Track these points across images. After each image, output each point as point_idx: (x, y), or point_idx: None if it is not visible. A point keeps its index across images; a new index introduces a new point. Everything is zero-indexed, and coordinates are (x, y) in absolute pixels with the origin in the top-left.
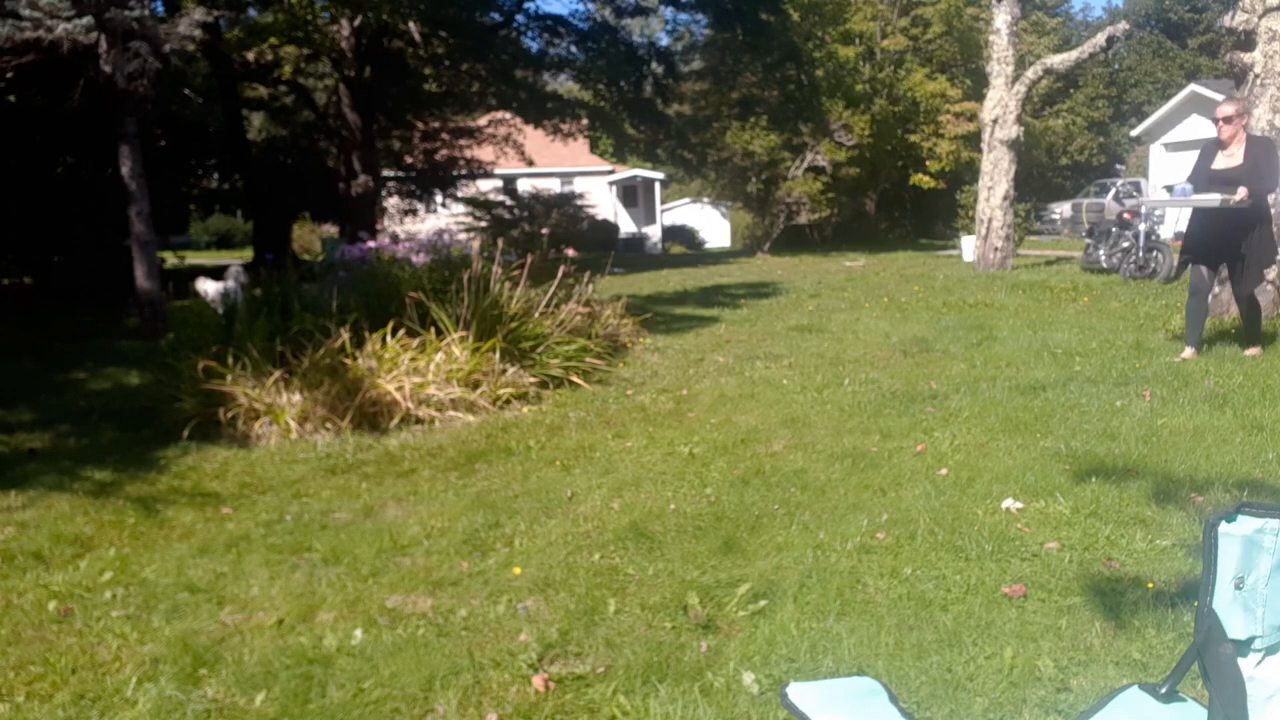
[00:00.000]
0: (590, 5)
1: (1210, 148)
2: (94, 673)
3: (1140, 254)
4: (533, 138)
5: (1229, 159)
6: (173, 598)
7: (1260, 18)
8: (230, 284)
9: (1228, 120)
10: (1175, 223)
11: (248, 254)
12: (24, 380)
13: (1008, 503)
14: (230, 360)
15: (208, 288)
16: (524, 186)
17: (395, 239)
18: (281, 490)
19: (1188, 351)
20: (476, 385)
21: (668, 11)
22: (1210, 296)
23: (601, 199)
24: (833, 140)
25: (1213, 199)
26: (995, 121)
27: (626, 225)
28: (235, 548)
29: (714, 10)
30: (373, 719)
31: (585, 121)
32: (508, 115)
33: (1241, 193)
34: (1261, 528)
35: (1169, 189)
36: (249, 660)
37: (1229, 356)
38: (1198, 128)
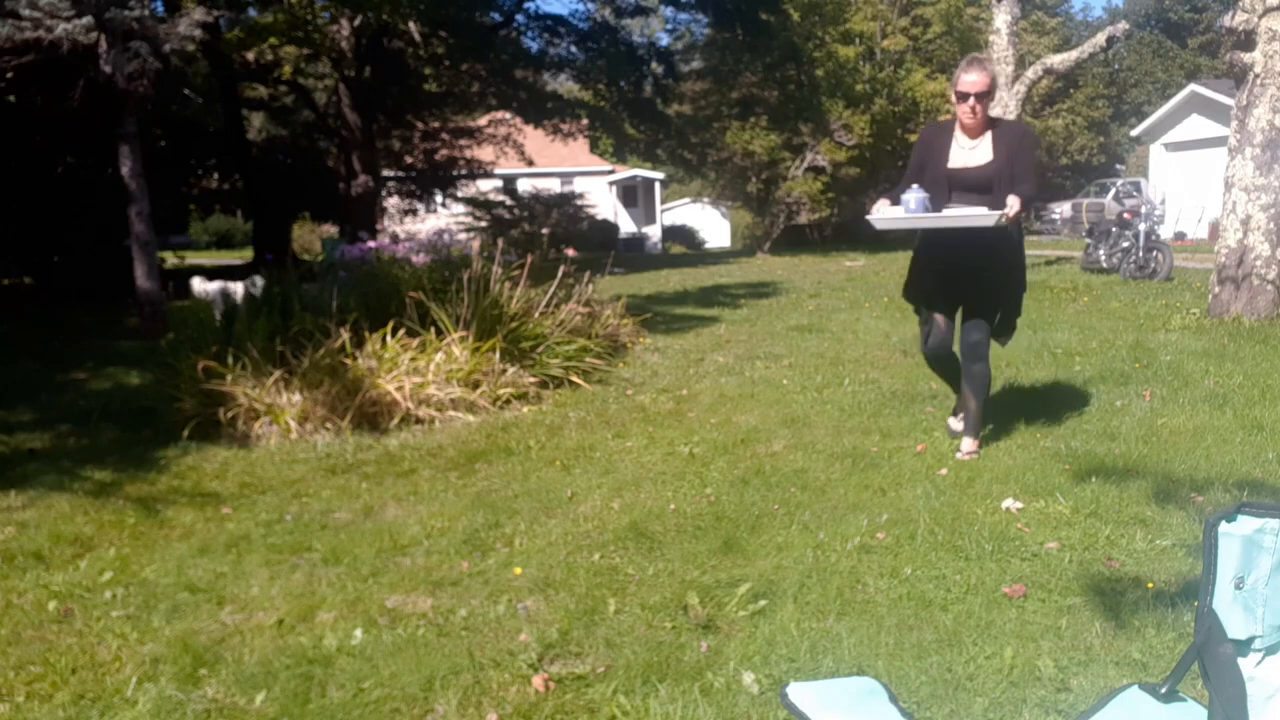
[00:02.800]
0: (590, 5)
1: (938, 138)
2: (94, 673)
3: (1140, 254)
4: (533, 138)
5: (973, 153)
6: (173, 598)
7: (1260, 18)
8: (231, 285)
9: (974, 99)
10: (1175, 222)
11: (248, 254)
12: (24, 380)
13: (1008, 503)
14: (230, 360)
15: (207, 287)
16: (524, 186)
17: (395, 239)
18: (281, 490)
19: (966, 445)
20: (476, 385)
21: (668, 11)
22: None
23: (601, 199)
24: (833, 140)
25: (972, 215)
26: None
27: (626, 225)
28: (235, 548)
29: (714, 10)
30: (373, 719)
31: (585, 121)
32: (508, 115)
33: (1014, 205)
34: (1261, 528)
35: (894, 201)
36: (249, 660)
37: (1229, 355)
38: (1198, 128)
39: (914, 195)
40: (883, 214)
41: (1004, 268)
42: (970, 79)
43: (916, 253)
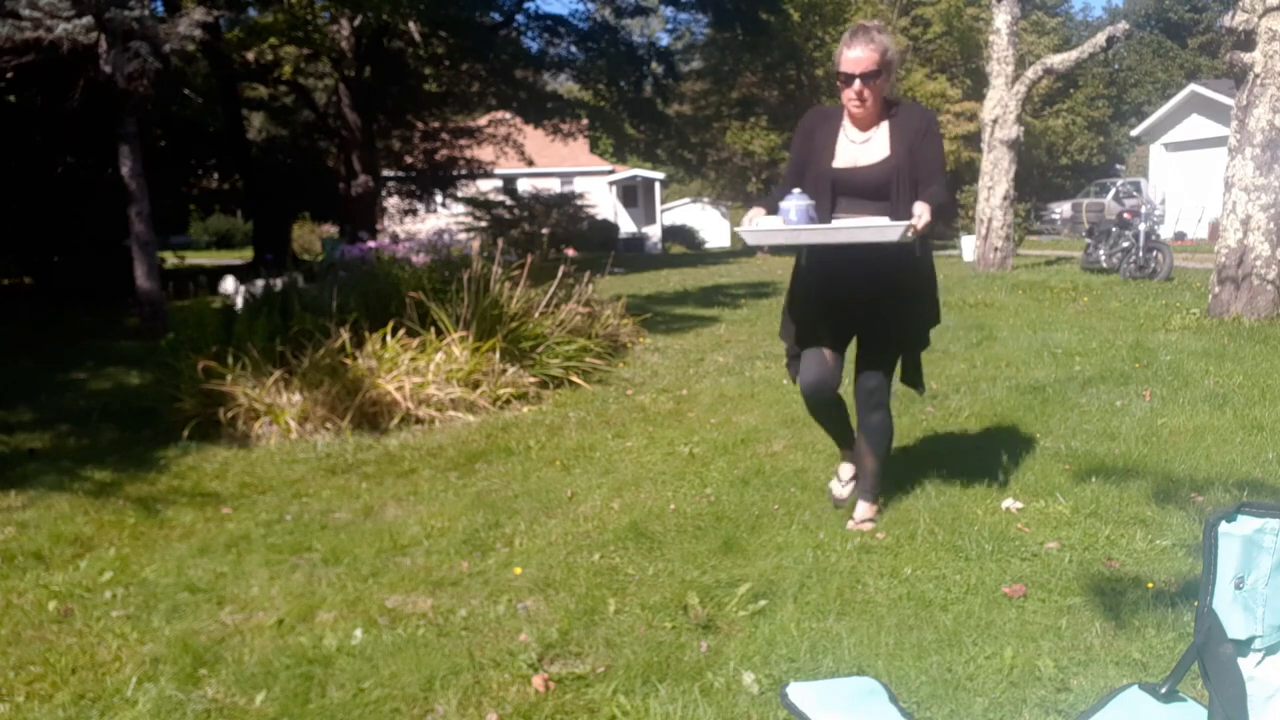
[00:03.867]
0: (590, 5)
1: (822, 128)
2: (94, 673)
3: (1140, 254)
4: (533, 138)
5: (865, 149)
6: (173, 598)
7: (1260, 18)
8: (258, 283)
9: (860, 82)
10: (1175, 222)
11: (248, 254)
12: (24, 380)
13: (1008, 503)
14: (230, 360)
15: (229, 286)
16: (524, 186)
17: (395, 239)
18: (281, 490)
19: (861, 511)
20: (476, 385)
21: (668, 11)
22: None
23: (601, 199)
24: None
25: (869, 227)
26: (995, 121)
27: (626, 225)
28: (235, 548)
29: (714, 10)
30: (373, 719)
31: (585, 121)
32: (508, 115)
33: (923, 214)
34: (1261, 528)
35: (770, 210)
36: (249, 660)
37: (1229, 355)
38: (1198, 128)
39: (795, 203)
40: (756, 226)
41: (909, 295)
42: (854, 55)
43: (796, 277)
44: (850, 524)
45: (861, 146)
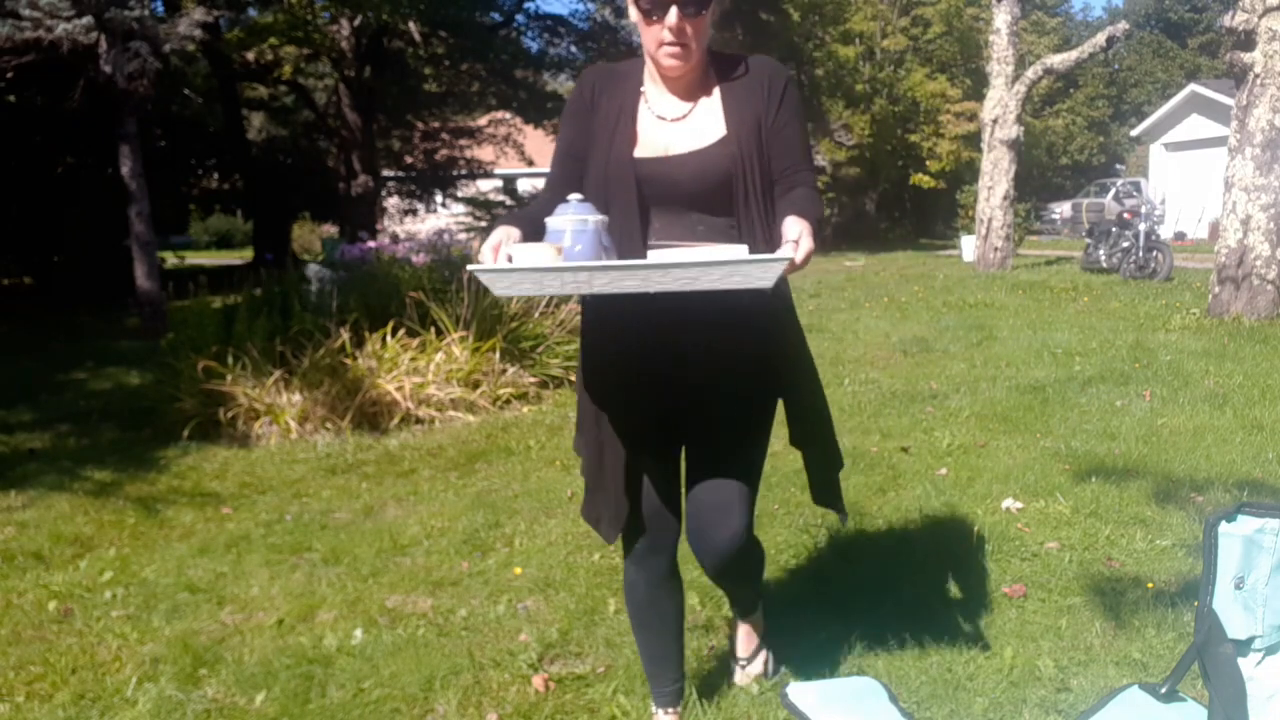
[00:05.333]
0: (590, 5)
1: (610, 96)
2: (94, 673)
3: (1140, 254)
4: (533, 138)
5: (684, 127)
6: (173, 598)
7: (1260, 18)
8: (326, 272)
9: (686, 9)
10: (1175, 222)
11: (248, 254)
12: (24, 380)
13: (1008, 503)
14: (230, 360)
15: (312, 270)
16: (524, 186)
17: (395, 239)
18: (281, 490)
19: (738, 674)
20: (476, 385)
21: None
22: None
23: None
24: (833, 140)
25: (715, 261)
26: (995, 121)
27: None
28: (235, 548)
29: None
30: (373, 719)
31: None
32: (508, 115)
33: (803, 238)
34: (1261, 528)
35: (529, 232)
36: (249, 660)
37: (1229, 355)
38: (1198, 128)
39: (574, 219)
40: (516, 259)
41: (777, 353)
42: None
43: (586, 342)
44: (738, 679)
45: (680, 125)
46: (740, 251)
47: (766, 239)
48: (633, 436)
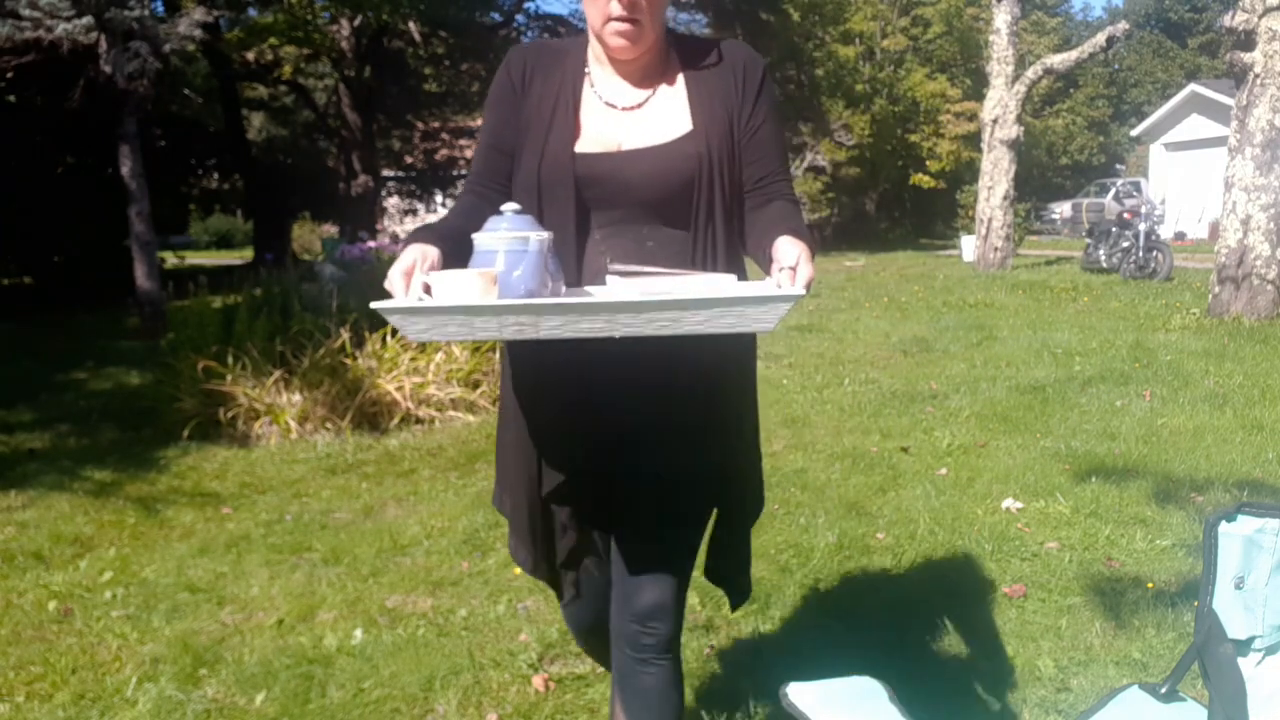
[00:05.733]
0: None
1: (545, 76)
2: (94, 673)
3: (1140, 254)
4: None
5: (641, 118)
6: (173, 598)
7: (1260, 18)
8: (341, 273)
9: (629, 17)
10: (1175, 222)
11: (248, 254)
12: (24, 380)
13: (1008, 503)
14: (230, 360)
15: (326, 270)
16: None
17: (395, 239)
18: (281, 490)
19: None
20: (477, 385)
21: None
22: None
23: None
24: (833, 140)
25: (693, 297)
26: (995, 121)
27: None
28: (235, 548)
29: (714, 10)
30: (373, 719)
31: None
32: None
33: (799, 263)
34: (1261, 528)
35: (449, 251)
36: (249, 660)
37: (1229, 355)
38: (1198, 128)
39: (508, 234)
40: (436, 292)
41: (727, 413)
42: None
43: (507, 393)
44: None
45: (634, 116)
46: (729, 283)
47: (726, 260)
48: (564, 495)
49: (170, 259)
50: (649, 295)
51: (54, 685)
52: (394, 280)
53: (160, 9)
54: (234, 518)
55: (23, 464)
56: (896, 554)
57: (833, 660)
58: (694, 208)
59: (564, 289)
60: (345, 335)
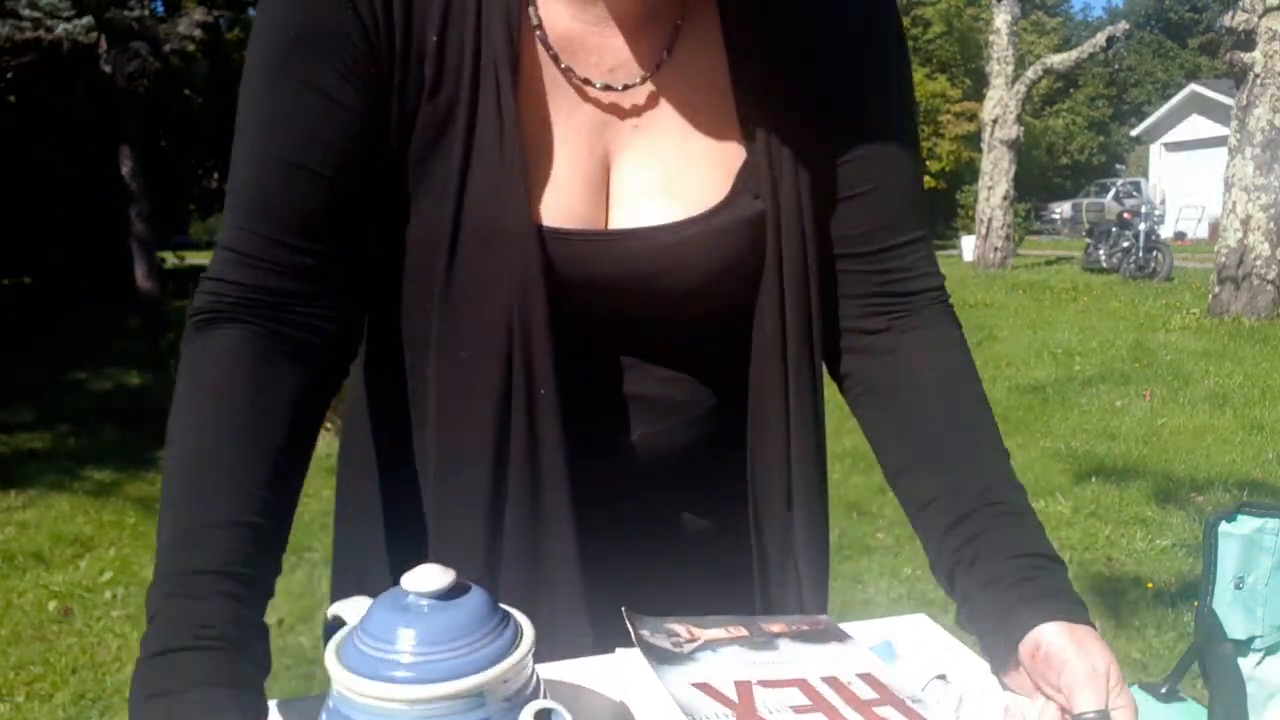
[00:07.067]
0: None
1: (412, 25)
2: (94, 673)
3: (1140, 254)
4: None
5: (646, 132)
6: None
7: (1260, 18)
8: None
9: None
10: (1175, 222)
11: None
12: (24, 380)
13: None
14: None
15: None
16: None
17: None
18: None
19: None
20: None
21: None
22: None
23: None
24: None
25: None
26: (995, 121)
27: None
28: None
29: None
30: None
31: None
32: None
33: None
34: (1261, 527)
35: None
36: None
37: (1229, 355)
38: (1198, 128)
39: (415, 689)
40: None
41: None
42: None
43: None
44: None
45: (630, 124)
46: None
47: (806, 453)
48: None
49: (170, 259)
50: None
51: (54, 685)
52: None
53: (160, 9)
54: None
55: (23, 464)
56: (896, 554)
57: None
58: (752, 333)
59: None
60: None
